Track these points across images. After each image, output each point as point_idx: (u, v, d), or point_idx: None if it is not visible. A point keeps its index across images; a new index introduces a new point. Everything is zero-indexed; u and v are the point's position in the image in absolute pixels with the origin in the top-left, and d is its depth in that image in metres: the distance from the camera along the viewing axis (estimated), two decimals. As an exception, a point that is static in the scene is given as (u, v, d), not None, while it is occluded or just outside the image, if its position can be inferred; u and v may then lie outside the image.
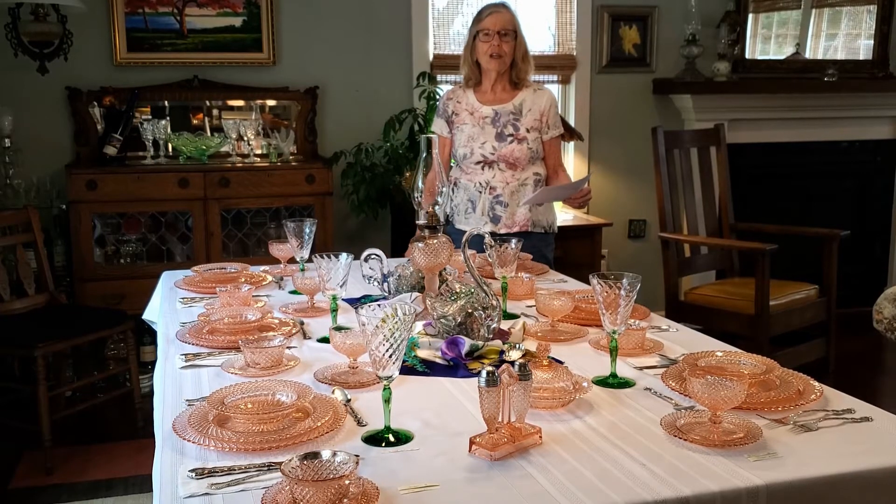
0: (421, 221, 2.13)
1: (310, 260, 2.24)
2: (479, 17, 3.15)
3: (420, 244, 2.10)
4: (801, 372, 1.74)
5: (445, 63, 4.58)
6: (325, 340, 1.96)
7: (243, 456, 1.38)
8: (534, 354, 1.75)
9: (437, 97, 4.08)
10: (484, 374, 1.37)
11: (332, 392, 1.64)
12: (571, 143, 4.70)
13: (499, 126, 3.14)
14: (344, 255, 2.05)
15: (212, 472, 1.32)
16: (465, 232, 2.08)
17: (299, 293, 2.35)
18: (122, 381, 3.85)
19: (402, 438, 1.44)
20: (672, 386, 1.66)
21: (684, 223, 4.33)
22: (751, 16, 5.06)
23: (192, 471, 1.33)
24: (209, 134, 4.27)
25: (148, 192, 3.87)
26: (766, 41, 5.27)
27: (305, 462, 1.22)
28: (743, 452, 1.38)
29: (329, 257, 2.04)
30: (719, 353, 1.79)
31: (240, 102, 4.36)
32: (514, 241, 2.26)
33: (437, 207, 2.11)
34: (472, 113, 3.17)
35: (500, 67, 3.13)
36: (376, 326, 1.40)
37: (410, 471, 1.33)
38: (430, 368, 1.80)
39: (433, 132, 3.32)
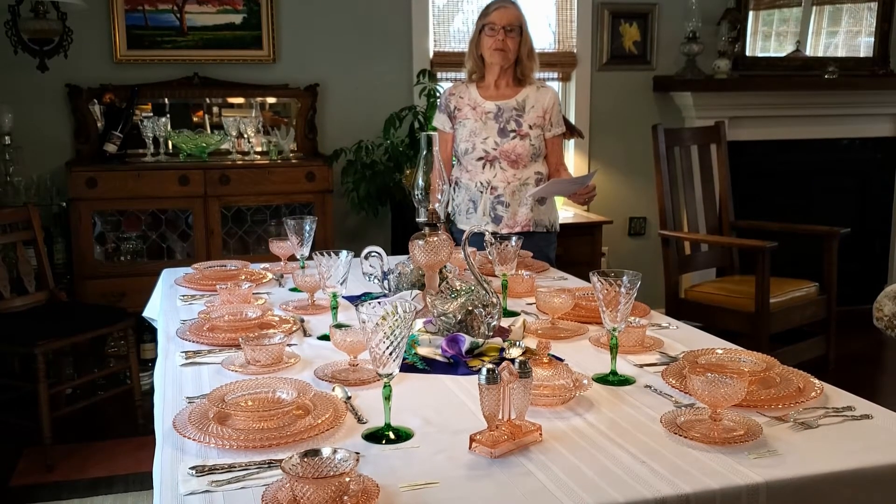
0: (421, 219, 2.14)
1: (310, 257, 2.24)
2: (486, 12, 3.15)
3: (420, 241, 2.10)
4: (801, 369, 1.74)
5: (446, 60, 4.58)
6: (325, 338, 1.97)
7: (244, 453, 1.38)
8: (534, 352, 1.75)
9: (438, 95, 4.09)
10: (484, 371, 1.37)
11: (333, 389, 1.64)
12: (572, 141, 4.70)
13: (501, 121, 3.14)
14: (344, 252, 2.05)
15: (212, 470, 1.32)
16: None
17: (299, 291, 2.35)
18: (122, 378, 3.85)
19: (403, 436, 1.44)
20: (672, 383, 1.66)
21: (684, 221, 4.33)
22: (751, 13, 5.06)
23: (192, 468, 1.33)
24: (209, 131, 4.27)
25: (148, 190, 3.87)
26: (767, 38, 5.27)
27: (306, 459, 1.22)
28: (743, 450, 1.38)
29: (329, 255, 2.04)
30: (719, 351, 1.79)
31: (240, 100, 4.36)
32: (514, 238, 2.26)
33: (437, 205, 2.11)
34: (475, 108, 3.17)
35: (503, 62, 3.13)
36: (376, 324, 1.40)
37: (411, 468, 1.33)
38: (430, 366, 1.80)
39: (434, 128, 3.33)
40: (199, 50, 4.25)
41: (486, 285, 1.96)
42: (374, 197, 4.24)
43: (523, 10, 3.18)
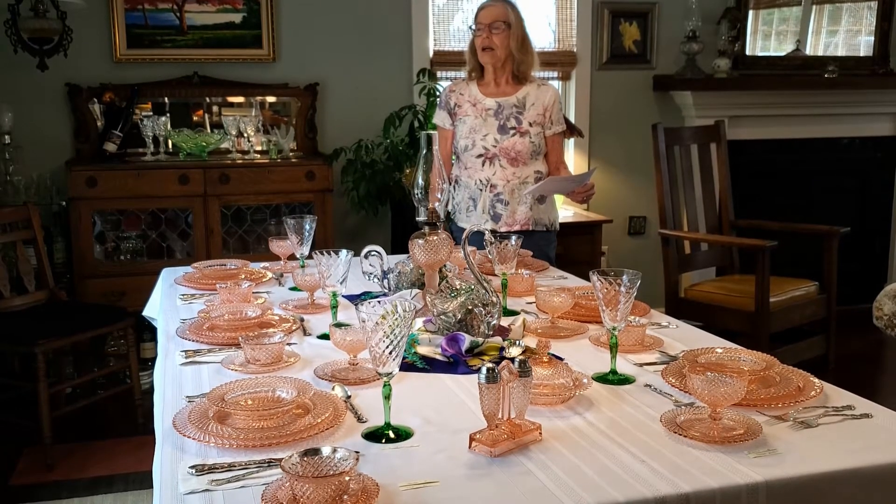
0: (421, 218, 2.14)
1: (310, 257, 2.24)
2: (476, 13, 3.17)
3: (420, 241, 2.10)
4: (800, 368, 1.74)
5: (445, 59, 4.58)
6: (325, 337, 1.97)
7: (243, 452, 1.38)
8: (534, 351, 1.75)
9: (438, 94, 4.09)
10: (484, 370, 1.37)
11: (332, 388, 1.64)
12: (572, 140, 4.70)
13: (501, 118, 3.14)
14: (344, 251, 2.05)
15: (212, 469, 1.32)
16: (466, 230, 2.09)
17: (299, 290, 2.35)
18: (122, 377, 3.85)
19: (402, 435, 1.44)
20: (672, 382, 1.66)
21: (684, 220, 4.33)
22: (751, 12, 5.06)
23: (192, 467, 1.33)
24: (209, 130, 4.27)
25: (148, 189, 3.87)
26: (767, 38, 5.27)
27: (305, 458, 1.22)
28: (743, 449, 1.38)
29: (329, 254, 2.04)
30: (719, 350, 1.79)
31: (240, 99, 4.36)
32: (514, 237, 2.26)
33: (437, 204, 2.12)
34: (475, 104, 3.17)
35: (493, 61, 3.13)
36: (376, 323, 1.40)
37: (410, 467, 1.33)
38: (430, 365, 1.80)
39: (435, 125, 3.33)
40: (199, 49, 4.25)
41: (485, 284, 1.96)
42: (374, 196, 4.24)
43: (517, 6, 3.16)
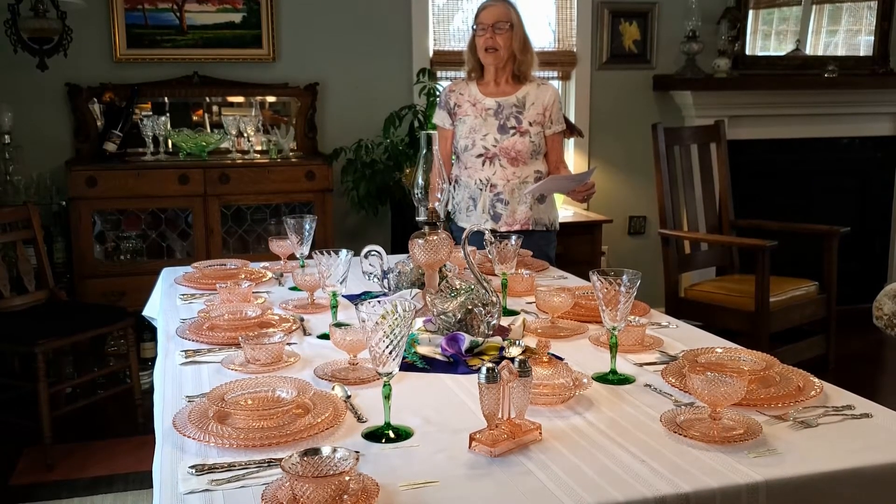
0: (421, 218, 2.14)
1: (310, 256, 2.24)
2: (477, 13, 3.16)
3: (420, 240, 2.10)
4: (800, 368, 1.74)
5: (445, 59, 4.58)
6: (325, 337, 1.97)
7: (243, 452, 1.38)
8: (534, 351, 1.75)
9: (438, 93, 4.09)
10: (484, 370, 1.37)
11: (332, 388, 1.64)
12: (572, 140, 4.70)
13: (501, 118, 3.14)
14: (344, 251, 2.05)
15: (212, 469, 1.32)
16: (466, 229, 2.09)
17: (299, 290, 2.35)
18: (122, 377, 3.85)
19: (402, 435, 1.44)
20: (672, 382, 1.66)
21: (684, 220, 4.33)
22: (751, 12, 5.06)
23: (192, 467, 1.33)
24: (209, 130, 4.27)
25: (148, 189, 3.87)
26: (767, 37, 5.27)
27: (305, 458, 1.22)
28: (743, 449, 1.38)
29: (329, 254, 2.04)
30: (719, 350, 1.79)
31: (240, 99, 4.36)
32: (514, 237, 2.26)
33: (437, 204, 2.12)
34: (475, 104, 3.17)
35: (496, 61, 3.13)
36: (376, 323, 1.40)
37: (410, 467, 1.33)
38: (430, 365, 1.80)
39: (434, 125, 3.33)
40: (199, 49, 4.25)
41: (485, 284, 1.96)
42: (374, 196, 4.24)
43: (517, 6, 3.16)
